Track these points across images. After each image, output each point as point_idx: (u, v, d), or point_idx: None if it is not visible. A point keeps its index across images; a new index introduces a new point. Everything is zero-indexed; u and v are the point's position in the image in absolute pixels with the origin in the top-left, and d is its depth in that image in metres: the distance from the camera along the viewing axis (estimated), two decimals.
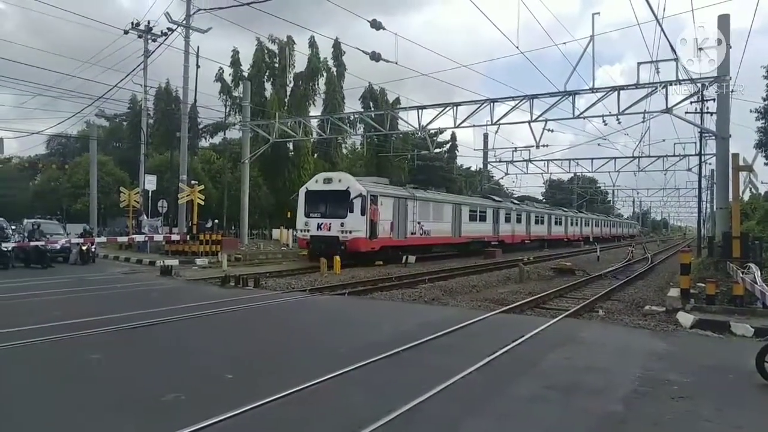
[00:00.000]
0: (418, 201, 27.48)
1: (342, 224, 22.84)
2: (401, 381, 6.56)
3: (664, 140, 40.04)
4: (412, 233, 26.64)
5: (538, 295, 15.26)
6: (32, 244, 19.67)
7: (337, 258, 20.63)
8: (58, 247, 20.99)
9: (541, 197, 75.88)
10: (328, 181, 24.62)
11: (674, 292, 14.27)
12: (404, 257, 24.78)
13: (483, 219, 35.45)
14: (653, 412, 5.61)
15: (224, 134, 40.58)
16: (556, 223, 50.04)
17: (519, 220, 41.31)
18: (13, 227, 23.61)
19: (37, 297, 12.85)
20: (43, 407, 5.40)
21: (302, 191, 25.02)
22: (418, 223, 27.15)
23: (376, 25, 15.70)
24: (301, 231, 24.60)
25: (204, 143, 39.13)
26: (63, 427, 4.97)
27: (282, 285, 16.18)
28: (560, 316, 11.58)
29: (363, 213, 22.90)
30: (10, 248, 18.96)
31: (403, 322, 10.87)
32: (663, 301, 13.94)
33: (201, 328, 9.95)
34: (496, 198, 41.17)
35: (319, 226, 23.54)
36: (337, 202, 23.36)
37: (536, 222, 45.13)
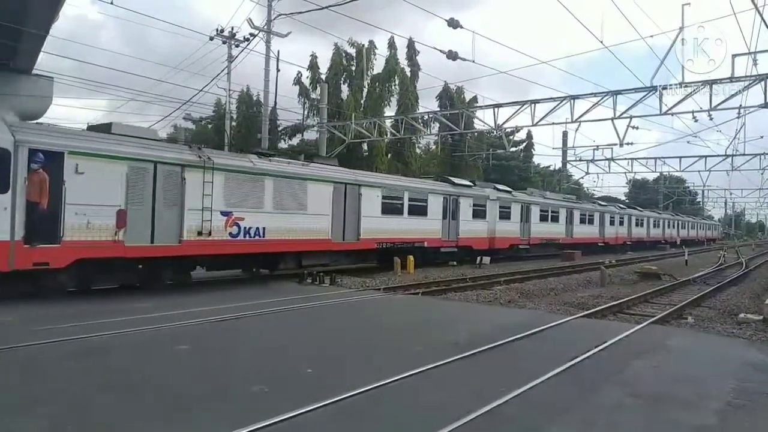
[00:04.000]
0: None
1: None
2: (479, 383, 6.51)
3: (761, 137, 37.09)
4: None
5: (622, 300, 14.64)
6: None
7: (411, 257, 20.71)
8: None
9: (623, 197, 72.71)
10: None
11: None
12: (478, 258, 24.53)
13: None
14: (749, 427, 5.29)
15: (302, 136, 41.59)
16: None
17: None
18: None
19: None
20: (138, 394, 5.81)
21: None
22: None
23: (453, 23, 15.62)
24: None
25: (283, 144, 40.28)
26: (156, 414, 5.31)
27: (357, 283, 16.44)
28: (645, 323, 11.08)
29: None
30: None
31: (479, 323, 10.78)
32: (760, 308, 13.00)
33: (280, 324, 10.31)
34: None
35: None
36: None
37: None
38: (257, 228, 14.93)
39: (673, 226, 59.51)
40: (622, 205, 48.65)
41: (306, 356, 7.58)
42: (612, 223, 42.44)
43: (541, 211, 32.23)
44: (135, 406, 5.39)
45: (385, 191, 20.06)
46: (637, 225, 47.94)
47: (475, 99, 43.42)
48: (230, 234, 14.22)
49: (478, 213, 25.62)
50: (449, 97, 43.32)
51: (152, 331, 8.75)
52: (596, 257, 31.70)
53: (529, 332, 9.40)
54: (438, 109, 40.41)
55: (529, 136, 56.38)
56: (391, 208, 20.15)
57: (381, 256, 20.44)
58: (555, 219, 34.02)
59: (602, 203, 43.60)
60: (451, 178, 25.99)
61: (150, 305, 10.88)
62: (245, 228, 14.62)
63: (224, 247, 14.18)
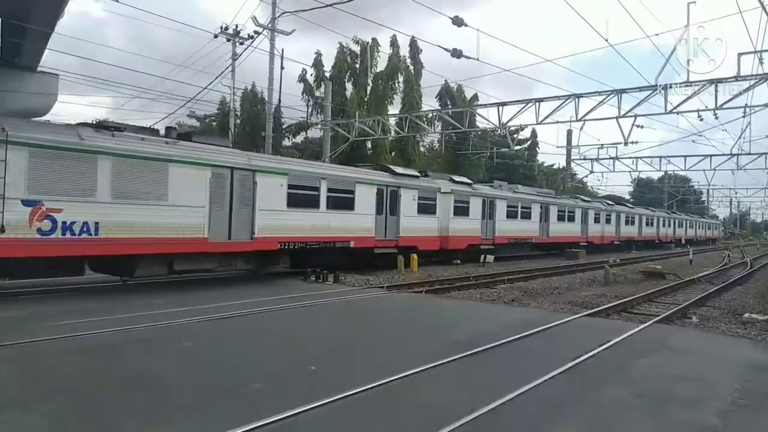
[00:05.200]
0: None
1: None
2: (482, 381, 6.51)
3: (767, 136, 36.94)
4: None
5: (626, 299, 14.60)
6: None
7: (415, 256, 20.71)
8: None
9: (628, 196, 72.48)
10: None
11: None
12: (482, 256, 24.50)
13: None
14: (754, 428, 5.27)
15: (306, 133, 41.63)
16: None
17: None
18: None
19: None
20: (141, 391, 5.83)
21: None
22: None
23: (458, 21, 15.57)
24: None
25: (287, 142, 40.35)
26: (159, 410, 5.32)
27: (360, 281, 16.44)
28: (650, 322, 11.05)
29: None
30: None
31: (483, 322, 10.78)
32: (765, 308, 12.96)
33: (284, 321, 10.32)
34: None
35: None
36: None
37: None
38: (85, 223, 11.57)
39: (669, 225, 56.34)
40: (610, 202, 44.75)
41: (309, 354, 7.59)
42: (597, 220, 38.98)
43: (508, 206, 28.36)
44: (138, 402, 5.40)
45: (294, 179, 16.05)
46: (627, 223, 44.59)
47: (475, 97, 43.34)
48: (39, 231, 10.91)
49: (426, 208, 21.66)
50: (450, 96, 43.26)
51: (156, 328, 8.77)
52: (601, 256, 31.64)
53: (533, 331, 9.38)
54: (438, 107, 40.40)
55: (534, 134, 56.32)
56: (302, 200, 16.30)
57: (296, 259, 16.97)
58: (526, 216, 30.13)
59: (587, 199, 40.39)
60: (392, 167, 21.83)
61: (159, 302, 10.92)
62: (64, 223, 11.24)
63: (28, 248, 10.77)
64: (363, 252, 18.90)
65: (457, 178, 25.68)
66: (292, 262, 17.04)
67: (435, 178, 24.07)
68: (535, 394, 5.97)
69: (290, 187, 15.90)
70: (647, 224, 49.28)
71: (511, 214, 28.52)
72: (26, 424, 4.80)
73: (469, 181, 26.64)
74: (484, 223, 26.03)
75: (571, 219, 35.50)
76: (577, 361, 7.37)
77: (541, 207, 31.63)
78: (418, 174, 22.74)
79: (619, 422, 5.34)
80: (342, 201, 17.84)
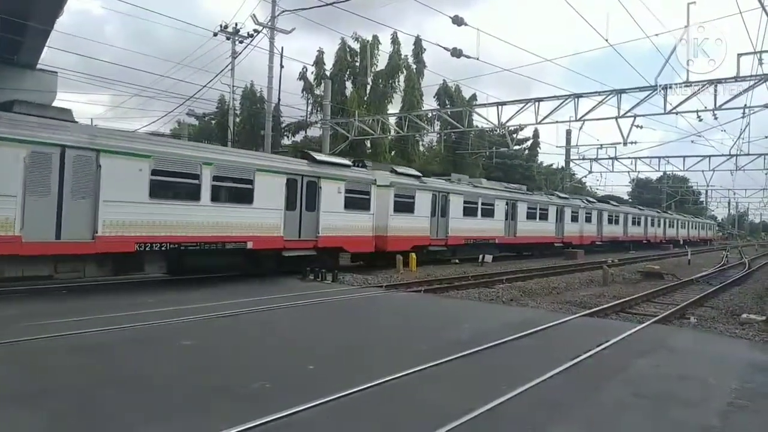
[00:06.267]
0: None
1: None
2: (482, 381, 6.52)
3: (766, 137, 36.93)
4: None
5: (624, 299, 14.62)
6: None
7: (413, 255, 20.71)
8: None
9: (627, 197, 72.54)
10: None
11: None
12: (480, 256, 24.50)
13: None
14: (752, 428, 5.28)
15: (305, 132, 41.63)
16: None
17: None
18: None
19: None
20: (140, 389, 5.82)
21: None
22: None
23: (458, 21, 15.58)
24: None
25: (286, 141, 40.31)
26: (158, 409, 5.32)
27: (359, 280, 16.45)
28: (648, 322, 11.07)
29: None
30: None
31: (482, 321, 10.78)
32: (763, 309, 12.98)
33: (282, 320, 10.31)
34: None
35: None
36: None
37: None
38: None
39: (659, 225, 52.68)
40: (592, 199, 41.59)
41: (308, 353, 7.59)
42: (575, 219, 35.50)
43: (466, 202, 24.90)
44: (137, 401, 5.40)
45: (161, 164, 13.00)
46: (610, 222, 41.19)
47: (474, 96, 43.37)
48: None
49: (357, 203, 18.36)
50: (448, 95, 43.28)
51: (156, 326, 8.76)
52: (599, 256, 31.67)
53: (532, 331, 9.40)
54: (437, 106, 40.41)
55: (535, 134, 56.38)
56: (173, 190, 13.44)
57: (174, 263, 14.07)
58: (488, 213, 26.68)
59: (563, 195, 36.72)
60: (313, 153, 18.27)
61: (154, 300, 10.91)
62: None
63: None
64: (267, 255, 15.72)
65: (400, 169, 22.41)
66: (169, 267, 14.16)
67: (376, 168, 20.88)
68: (534, 393, 5.97)
69: (155, 173, 12.82)
70: (634, 223, 46.32)
71: (469, 212, 25.18)
72: (26, 424, 4.80)
73: (417, 173, 23.22)
74: (434, 221, 22.66)
75: (544, 217, 32.16)
76: (575, 360, 7.38)
77: (507, 203, 28.49)
78: (349, 163, 19.22)
79: (618, 422, 5.35)
80: (236, 192, 14.78)
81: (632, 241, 45.07)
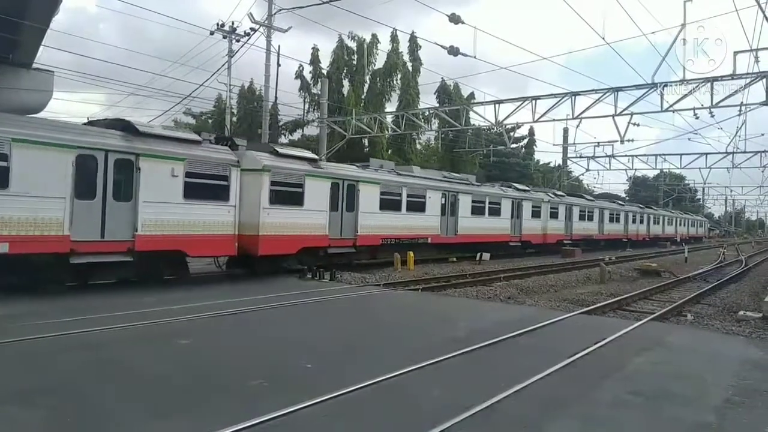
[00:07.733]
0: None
1: None
2: (479, 378, 6.54)
3: (762, 134, 37.05)
4: None
5: (621, 297, 14.68)
6: None
7: (411, 253, 20.70)
8: None
9: (623, 194, 72.67)
10: None
11: None
12: (478, 254, 24.52)
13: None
14: (748, 424, 5.30)
15: (303, 131, 41.59)
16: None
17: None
18: None
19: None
20: (138, 388, 5.82)
21: None
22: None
23: (455, 19, 15.58)
24: None
25: (284, 139, 40.27)
26: (156, 407, 5.32)
27: (357, 279, 16.45)
28: (645, 319, 11.11)
29: None
30: None
31: (479, 319, 10.80)
32: (759, 306, 13.02)
33: (280, 319, 10.31)
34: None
35: None
36: None
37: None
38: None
39: (641, 221, 47.79)
40: (560, 193, 36.46)
41: (305, 351, 7.59)
42: (536, 215, 30.82)
43: (383, 194, 20.00)
44: (135, 399, 5.40)
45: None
46: (582, 218, 36.26)
47: (472, 95, 43.40)
48: None
49: (208, 192, 13.83)
50: (447, 93, 43.31)
51: (153, 325, 8.75)
52: (596, 254, 31.72)
53: (529, 328, 9.41)
54: (436, 104, 40.41)
55: (531, 132, 56.44)
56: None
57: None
58: (418, 207, 21.79)
59: (522, 187, 31.76)
60: (134, 123, 13.13)
61: (153, 300, 10.89)
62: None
63: None
64: (42, 261, 11.09)
65: (283, 150, 17.46)
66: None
67: (254, 149, 16.21)
68: (532, 391, 5.99)
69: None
70: (612, 220, 41.29)
71: (388, 205, 20.26)
72: (25, 422, 4.79)
73: (313, 156, 18.15)
74: (335, 216, 17.83)
75: (495, 212, 27.14)
76: (573, 358, 7.40)
77: (444, 196, 23.48)
78: (197, 137, 14.17)
79: (616, 419, 5.37)
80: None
81: (608, 240, 40.12)
